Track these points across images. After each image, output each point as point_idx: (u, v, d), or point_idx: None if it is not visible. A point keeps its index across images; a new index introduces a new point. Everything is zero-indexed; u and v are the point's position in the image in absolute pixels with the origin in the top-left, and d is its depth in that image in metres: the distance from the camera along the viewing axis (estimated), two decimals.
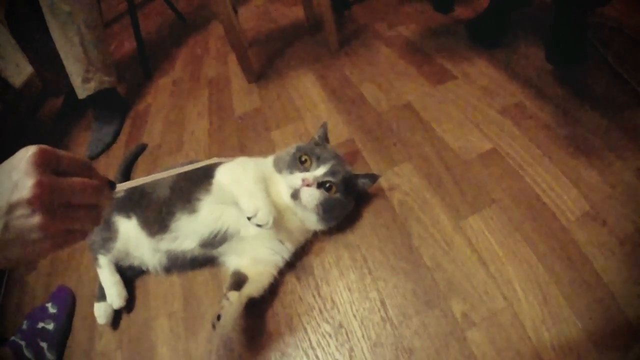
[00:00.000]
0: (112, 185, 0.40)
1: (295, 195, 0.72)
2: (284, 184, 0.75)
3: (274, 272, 0.75)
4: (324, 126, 0.88)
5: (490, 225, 0.74)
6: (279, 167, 0.78)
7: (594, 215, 0.70)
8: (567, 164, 0.79)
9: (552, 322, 0.60)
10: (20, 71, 1.88)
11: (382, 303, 0.69)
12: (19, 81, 1.87)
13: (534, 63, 1.05)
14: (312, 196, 0.71)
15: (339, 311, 0.70)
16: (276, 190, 0.75)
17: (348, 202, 0.78)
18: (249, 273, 0.73)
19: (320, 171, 0.74)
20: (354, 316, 0.69)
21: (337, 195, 0.74)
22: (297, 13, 1.69)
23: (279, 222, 0.72)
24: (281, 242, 0.75)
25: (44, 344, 0.77)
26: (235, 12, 1.93)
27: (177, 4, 2.19)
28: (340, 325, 0.68)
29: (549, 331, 0.59)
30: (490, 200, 0.77)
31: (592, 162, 0.78)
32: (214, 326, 0.63)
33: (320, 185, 0.73)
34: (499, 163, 0.84)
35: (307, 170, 0.75)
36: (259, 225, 0.67)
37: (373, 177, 0.81)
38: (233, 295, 0.66)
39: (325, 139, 0.87)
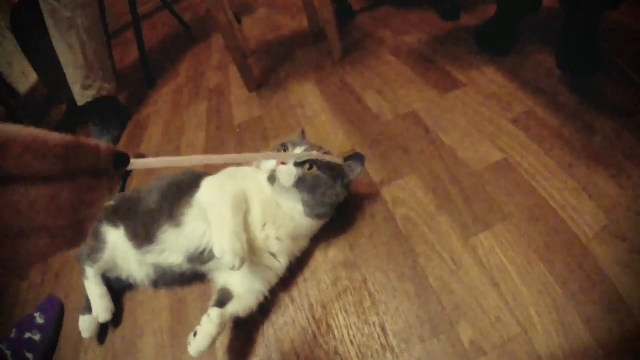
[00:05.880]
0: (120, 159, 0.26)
1: (272, 177, 0.69)
2: (262, 172, 0.72)
3: (265, 290, 0.70)
4: (302, 132, 0.88)
5: (502, 242, 0.68)
6: (259, 164, 0.76)
7: (614, 231, 0.65)
8: (584, 175, 0.74)
9: (570, 349, 0.54)
10: (26, 78, 1.91)
11: (383, 328, 0.63)
12: (24, 88, 1.89)
13: (545, 70, 1.01)
14: (288, 172, 0.68)
15: (334, 336, 0.65)
16: (264, 197, 0.72)
17: (335, 185, 0.72)
18: (235, 290, 0.68)
19: (296, 151, 0.72)
20: (351, 342, 0.63)
21: (318, 172, 0.70)
22: (301, 22, 1.69)
23: (270, 233, 0.70)
24: (273, 255, 0.71)
25: (30, 355, 0.76)
26: (239, 22, 1.94)
27: (183, 15, 2.21)
28: (336, 352, 0.63)
29: None
30: (502, 216, 0.72)
31: (610, 172, 0.74)
32: (189, 343, 0.60)
33: (299, 165, 0.69)
34: (511, 175, 0.79)
35: None
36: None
37: (359, 158, 0.75)
38: (214, 312, 0.62)
39: (303, 138, 0.85)
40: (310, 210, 0.71)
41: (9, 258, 0.21)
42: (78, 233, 0.24)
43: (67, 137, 0.22)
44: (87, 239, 0.28)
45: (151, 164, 0.30)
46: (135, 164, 0.27)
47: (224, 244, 0.62)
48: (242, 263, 0.61)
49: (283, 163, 0.68)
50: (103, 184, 0.24)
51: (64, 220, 0.22)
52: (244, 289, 0.69)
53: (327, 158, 0.70)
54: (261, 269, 0.70)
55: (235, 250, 0.61)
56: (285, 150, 0.74)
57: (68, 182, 0.22)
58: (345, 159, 0.76)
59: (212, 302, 0.67)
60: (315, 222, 0.74)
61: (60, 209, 0.22)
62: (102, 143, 0.24)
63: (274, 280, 0.71)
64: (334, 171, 0.73)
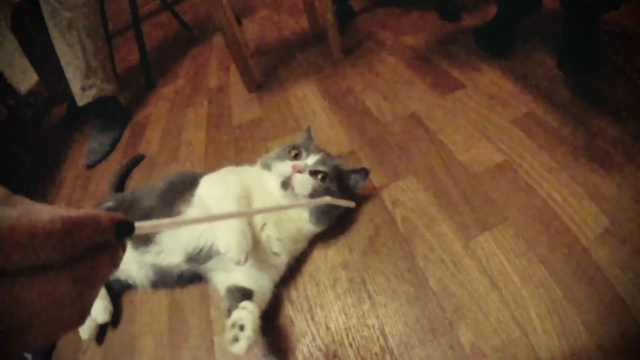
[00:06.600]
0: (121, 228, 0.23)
1: (285, 184, 0.68)
2: (274, 175, 0.71)
3: (272, 286, 0.70)
4: (308, 128, 0.87)
5: (502, 244, 0.68)
6: (267, 164, 0.75)
7: (615, 232, 0.65)
8: (584, 177, 0.74)
9: (571, 353, 0.54)
10: (26, 78, 1.90)
11: (382, 331, 0.63)
12: (24, 88, 1.89)
13: (545, 71, 1.01)
14: (305, 182, 0.68)
15: (333, 339, 0.64)
16: (267, 196, 0.71)
17: (342, 197, 0.73)
18: (252, 287, 0.68)
19: (311, 160, 0.71)
20: (350, 345, 0.63)
21: (330, 185, 0.71)
22: (302, 23, 1.69)
23: (271, 232, 0.69)
24: (275, 254, 0.70)
25: (28, 356, 0.76)
26: (240, 22, 1.95)
27: (184, 15, 2.21)
28: (335, 355, 0.62)
29: None
30: (503, 217, 0.72)
31: (611, 174, 0.73)
32: (236, 339, 0.57)
33: (312, 174, 0.69)
34: (512, 176, 0.78)
35: (298, 160, 0.72)
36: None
37: (364, 172, 0.78)
38: (251, 305, 0.61)
39: (310, 139, 0.85)
40: (316, 219, 0.71)
41: None
42: (77, 318, 0.21)
43: (62, 217, 0.19)
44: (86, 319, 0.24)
45: (157, 227, 0.26)
46: (141, 228, 0.24)
47: (229, 238, 0.61)
48: (247, 259, 0.61)
49: (299, 171, 0.68)
50: (105, 260, 0.22)
51: (62, 310, 0.20)
52: (256, 285, 0.68)
53: (340, 202, 0.69)
54: (264, 267, 0.69)
55: (240, 245, 0.61)
56: (297, 155, 0.74)
57: (66, 269, 0.19)
58: (352, 172, 0.78)
59: (235, 298, 0.65)
60: (318, 228, 0.74)
61: (58, 300, 0.19)
62: (102, 213, 0.21)
63: (276, 277, 0.71)
64: (341, 182, 0.74)
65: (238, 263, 0.60)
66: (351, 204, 0.72)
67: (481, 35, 1.19)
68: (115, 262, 0.23)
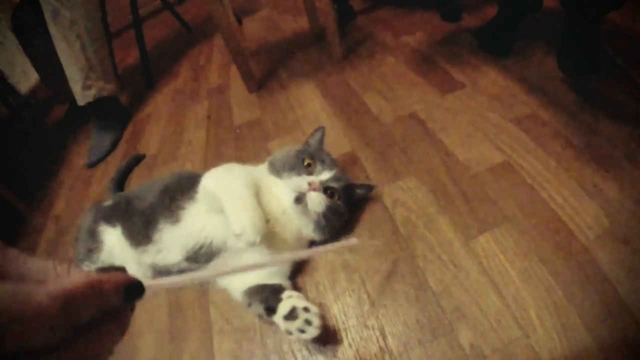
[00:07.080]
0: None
1: (299, 199, 0.68)
2: (287, 187, 0.71)
3: (287, 280, 0.71)
4: (322, 130, 0.85)
5: (502, 244, 0.68)
6: (276, 169, 0.74)
7: (615, 233, 0.64)
8: (585, 177, 0.74)
9: (571, 352, 0.53)
10: (27, 77, 1.91)
11: (382, 332, 0.62)
12: (25, 88, 1.89)
13: (546, 71, 1.00)
14: (319, 200, 0.68)
15: (333, 339, 0.64)
16: (271, 196, 0.71)
17: (347, 212, 0.75)
18: (277, 281, 0.68)
19: (325, 176, 0.72)
20: (350, 345, 0.62)
21: (340, 202, 0.72)
22: (302, 23, 1.68)
23: (274, 230, 0.69)
24: (278, 252, 0.70)
25: None
26: (240, 22, 1.95)
27: (184, 15, 2.21)
28: (334, 355, 0.62)
29: None
30: (503, 217, 0.72)
31: (612, 174, 0.73)
32: (308, 322, 0.58)
33: (324, 190, 0.70)
34: (512, 177, 0.78)
35: (311, 174, 0.72)
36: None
37: (369, 188, 0.80)
38: (295, 293, 0.63)
39: (321, 144, 0.84)
40: (320, 231, 0.72)
41: None
42: None
43: (59, 294, 0.17)
44: None
45: (169, 284, 0.25)
46: (151, 287, 0.21)
47: (243, 219, 0.60)
48: (261, 240, 0.60)
49: (314, 189, 0.68)
50: (112, 328, 0.20)
51: None
52: (275, 281, 0.68)
53: (368, 244, 0.71)
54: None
55: (255, 224, 0.60)
56: (309, 164, 0.74)
57: (67, 347, 0.18)
58: (357, 187, 0.79)
59: (269, 295, 0.64)
60: (319, 238, 0.74)
61: None
62: (106, 278, 0.19)
63: (287, 272, 0.71)
64: (348, 197, 0.75)
65: (253, 244, 0.59)
66: (376, 243, 0.73)
67: (482, 35, 1.19)
68: (124, 327, 0.21)
